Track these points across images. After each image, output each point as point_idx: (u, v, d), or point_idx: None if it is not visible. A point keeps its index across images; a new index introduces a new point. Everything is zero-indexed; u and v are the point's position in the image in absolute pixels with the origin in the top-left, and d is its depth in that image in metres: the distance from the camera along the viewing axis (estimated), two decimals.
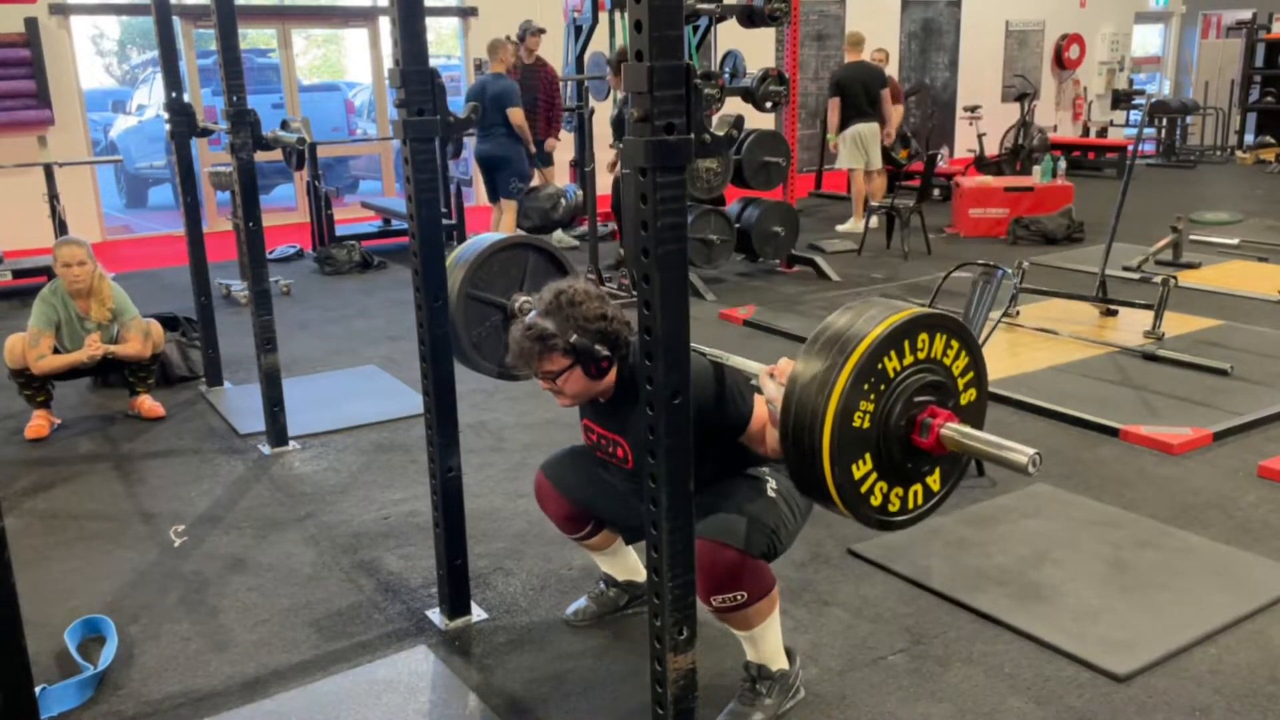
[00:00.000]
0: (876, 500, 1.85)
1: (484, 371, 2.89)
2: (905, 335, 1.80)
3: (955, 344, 1.89)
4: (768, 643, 2.39)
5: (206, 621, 2.94)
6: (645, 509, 1.93)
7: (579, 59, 7.18)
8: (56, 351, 4.45)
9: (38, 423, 4.44)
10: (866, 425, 1.79)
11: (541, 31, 8.74)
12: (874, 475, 1.83)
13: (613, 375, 2.35)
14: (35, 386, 4.44)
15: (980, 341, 3.82)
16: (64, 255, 4.46)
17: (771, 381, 1.98)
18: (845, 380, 1.74)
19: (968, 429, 1.83)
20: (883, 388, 1.79)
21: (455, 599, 2.88)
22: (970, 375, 1.93)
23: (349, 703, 2.53)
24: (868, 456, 1.81)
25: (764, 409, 2.19)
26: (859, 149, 8.94)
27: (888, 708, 2.46)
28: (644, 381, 1.86)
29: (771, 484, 2.32)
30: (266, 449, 4.23)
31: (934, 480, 1.93)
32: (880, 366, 1.78)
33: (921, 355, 1.83)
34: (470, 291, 2.78)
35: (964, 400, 1.93)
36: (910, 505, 1.91)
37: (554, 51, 9.40)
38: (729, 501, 2.27)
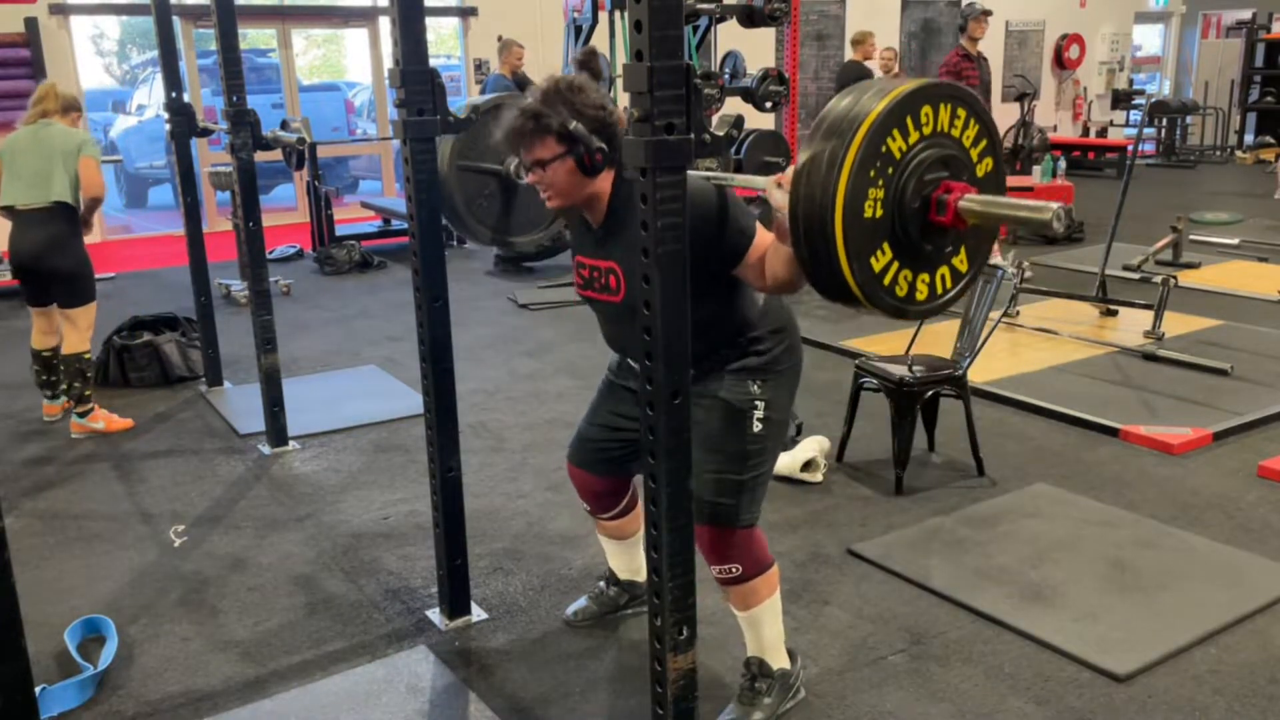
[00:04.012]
0: (902, 290, 1.77)
1: (478, 237, 2.77)
2: (907, 111, 1.70)
3: (962, 113, 1.79)
4: (767, 629, 2.39)
5: (206, 621, 2.93)
6: (646, 508, 1.93)
7: None
8: None
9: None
10: (879, 214, 1.70)
11: (987, 14, 7.27)
12: (895, 265, 1.75)
13: (605, 185, 2.23)
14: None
15: (980, 342, 3.83)
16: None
17: (779, 190, 1.85)
18: (849, 170, 1.64)
19: (985, 196, 1.75)
20: (890, 171, 1.70)
21: (455, 599, 2.88)
22: (983, 144, 1.83)
23: (349, 703, 2.53)
24: (886, 246, 1.72)
25: (765, 236, 2.11)
26: None
27: (888, 708, 2.46)
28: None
29: (758, 412, 2.25)
30: (266, 449, 4.23)
31: (960, 261, 1.85)
32: (884, 149, 1.69)
33: (927, 130, 1.74)
34: (460, 164, 2.64)
35: (980, 172, 1.83)
36: (939, 290, 1.83)
37: (554, 51, 9.40)
38: (712, 461, 2.23)
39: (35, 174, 4.27)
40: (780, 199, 1.84)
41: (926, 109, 1.74)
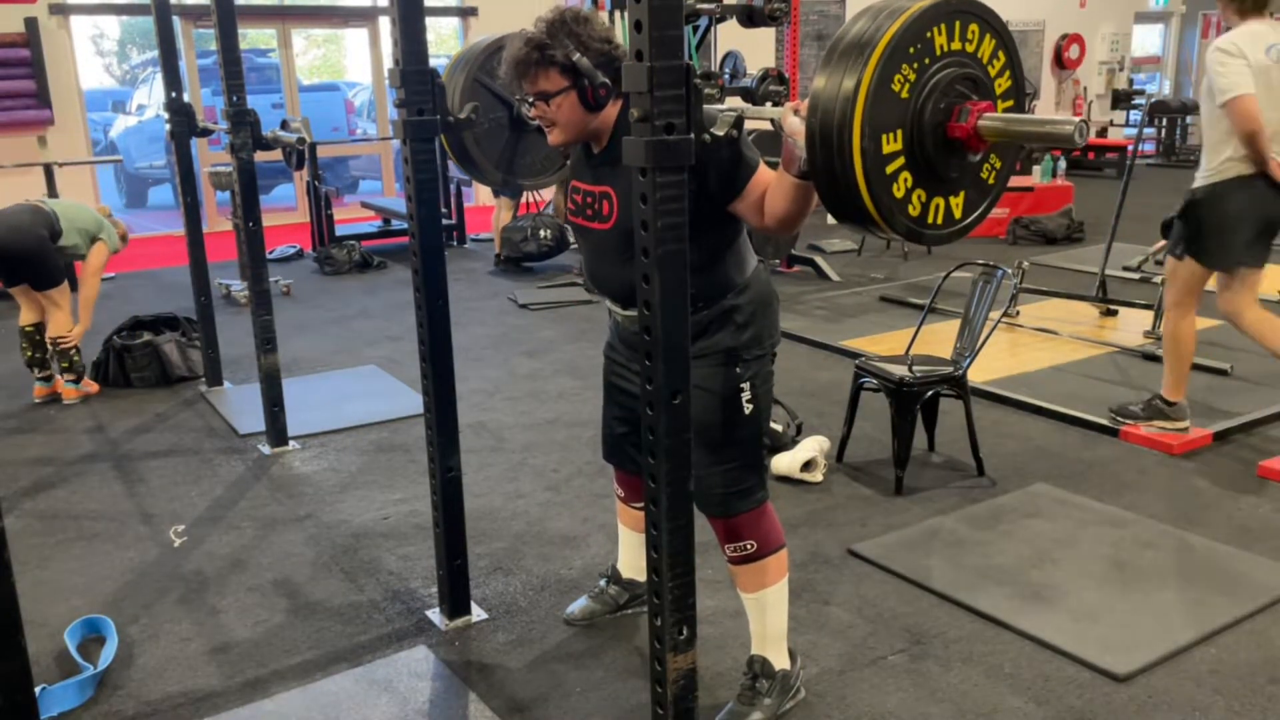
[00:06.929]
0: (899, 191, 1.78)
1: (485, 175, 2.76)
2: (959, 15, 1.75)
3: (1003, 55, 1.83)
4: (773, 616, 2.39)
5: (206, 621, 2.94)
6: (646, 508, 1.93)
7: None
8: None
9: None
10: (905, 94, 1.73)
11: None
12: (902, 160, 1.77)
13: (610, 117, 2.22)
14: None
15: (980, 342, 3.83)
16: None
17: (795, 116, 1.84)
18: (895, 31, 1.68)
19: (1006, 115, 1.78)
20: (926, 61, 1.73)
21: (455, 599, 2.88)
22: (1010, 102, 1.87)
23: (349, 703, 2.53)
24: (899, 133, 1.75)
25: (767, 173, 2.08)
26: None
27: (888, 708, 2.46)
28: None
29: (746, 394, 2.25)
30: (266, 449, 4.23)
31: (957, 204, 1.88)
32: (929, 35, 1.72)
33: (970, 48, 1.78)
34: (479, 78, 2.63)
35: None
36: (930, 217, 1.85)
37: None
38: (715, 456, 2.25)
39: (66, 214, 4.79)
40: (795, 123, 1.83)
41: (974, 26, 1.78)
